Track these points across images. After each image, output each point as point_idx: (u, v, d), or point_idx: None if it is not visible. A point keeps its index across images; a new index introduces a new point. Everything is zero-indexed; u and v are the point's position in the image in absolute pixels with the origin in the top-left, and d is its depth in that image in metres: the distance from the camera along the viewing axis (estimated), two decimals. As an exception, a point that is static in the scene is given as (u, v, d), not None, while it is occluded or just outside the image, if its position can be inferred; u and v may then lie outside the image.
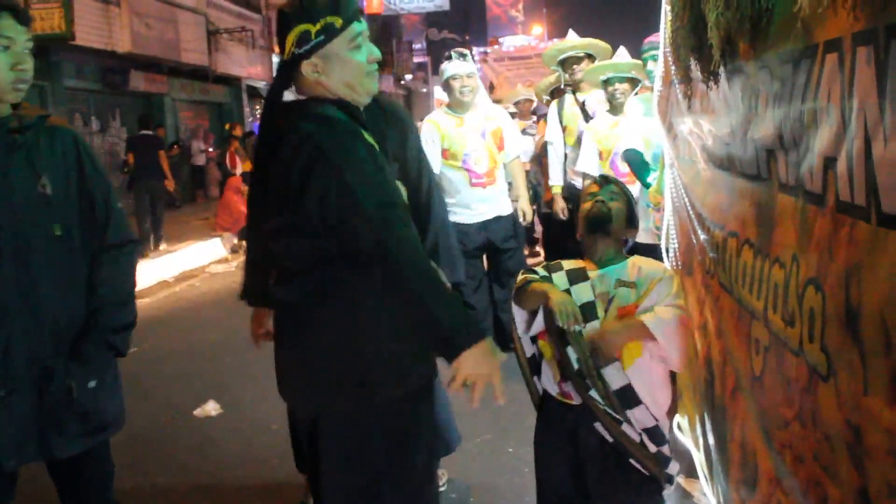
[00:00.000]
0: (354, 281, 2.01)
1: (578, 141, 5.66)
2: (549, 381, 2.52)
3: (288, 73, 2.07)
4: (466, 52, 5.20)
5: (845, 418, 1.45)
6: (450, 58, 5.10)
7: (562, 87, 6.44)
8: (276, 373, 2.24)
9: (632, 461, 2.39)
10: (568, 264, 2.59)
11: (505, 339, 5.58)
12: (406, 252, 1.95)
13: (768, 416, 1.96)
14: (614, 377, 2.37)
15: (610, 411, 2.36)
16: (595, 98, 5.77)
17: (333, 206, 1.93)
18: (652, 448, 2.40)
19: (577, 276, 2.53)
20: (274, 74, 2.11)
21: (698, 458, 3.12)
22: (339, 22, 2.01)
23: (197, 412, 4.64)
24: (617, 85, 5.05)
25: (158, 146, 11.84)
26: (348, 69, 2.06)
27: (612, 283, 2.48)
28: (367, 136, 2.06)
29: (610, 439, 2.38)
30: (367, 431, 2.11)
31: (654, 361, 2.43)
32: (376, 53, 2.13)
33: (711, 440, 2.73)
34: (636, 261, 2.56)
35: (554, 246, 6.65)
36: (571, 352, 2.38)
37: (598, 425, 2.38)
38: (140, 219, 10.97)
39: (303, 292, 2.08)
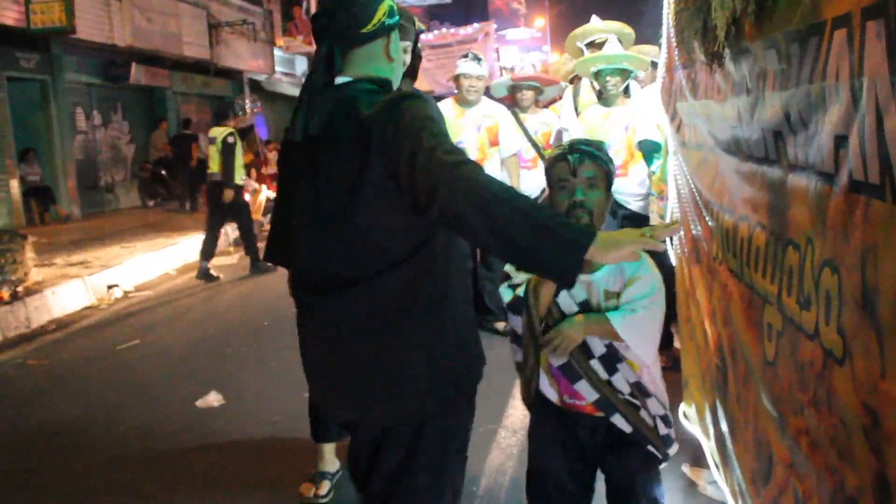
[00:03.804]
0: (442, 267, 1.97)
1: None
2: (547, 388, 2.37)
3: (348, 48, 2.00)
4: (482, 56, 5.71)
5: (862, 402, 1.41)
6: (466, 56, 5.62)
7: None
8: (331, 393, 2.10)
9: (649, 447, 2.32)
10: None
11: (496, 317, 5.76)
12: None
13: (783, 402, 1.93)
14: (626, 374, 2.25)
15: (629, 398, 2.26)
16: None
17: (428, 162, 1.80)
18: (663, 430, 2.32)
19: None
20: (323, 54, 1.99)
21: (708, 447, 3.09)
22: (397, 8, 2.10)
23: (199, 403, 4.63)
24: (608, 77, 4.97)
25: (193, 141, 15.52)
26: (399, 56, 2.12)
27: (601, 295, 2.24)
28: None
29: (628, 429, 2.27)
30: (444, 435, 2.05)
31: (652, 368, 2.32)
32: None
33: (724, 428, 2.68)
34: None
35: None
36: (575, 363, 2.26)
37: (615, 417, 2.27)
38: (182, 199, 15.58)
39: (398, 285, 1.92)
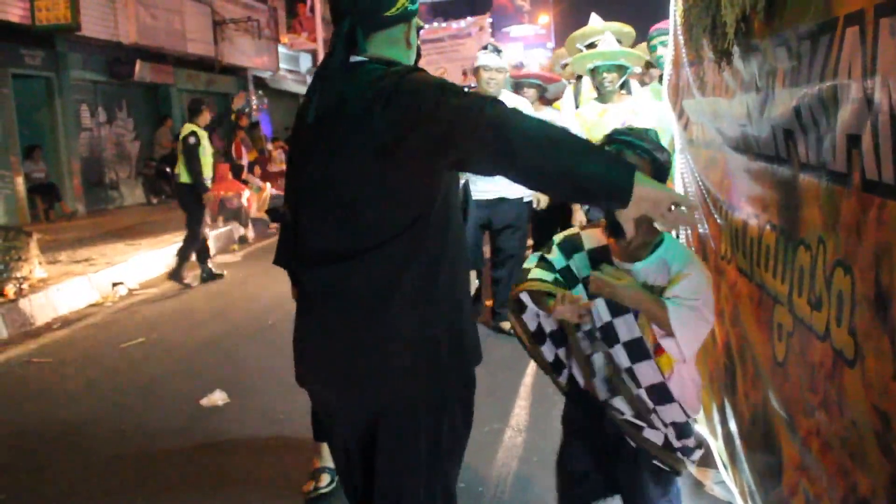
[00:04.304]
0: (433, 247, 1.93)
1: None
2: (577, 372, 2.35)
3: (370, 30, 1.99)
4: (502, 48, 5.54)
5: (873, 404, 1.40)
6: (486, 48, 5.49)
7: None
8: (325, 372, 2.07)
9: (654, 461, 2.28)
10: (589, 240, 2.28)
11: (501, 318, 5.69)
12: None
13: (793, 403, 1.91)
14: (647, 374, 2.16)
15: (631, 419, 2.20)
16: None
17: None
18: (677, 444, 2.24)
19: (602, 259, 2.22)
20: (344, 33, 1.96)
21: (716, 447, 3.07)
22: None
23: (204, 402, 4.61)
24: (605, 73, 4.92)
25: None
26: (416, 44, 2.10)
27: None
28: None
29: (633, 445, 2.24)
30: (436, 424, 2.00)
31: (685, 365, 2.24)
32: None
33: (733, 427, 2.67)
34: (666, 253, 2.19)
35: (543, 230, 6.54)
36: (596, 359, 2.24)
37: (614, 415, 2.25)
38: None
39: (387, 262, 1.90)
